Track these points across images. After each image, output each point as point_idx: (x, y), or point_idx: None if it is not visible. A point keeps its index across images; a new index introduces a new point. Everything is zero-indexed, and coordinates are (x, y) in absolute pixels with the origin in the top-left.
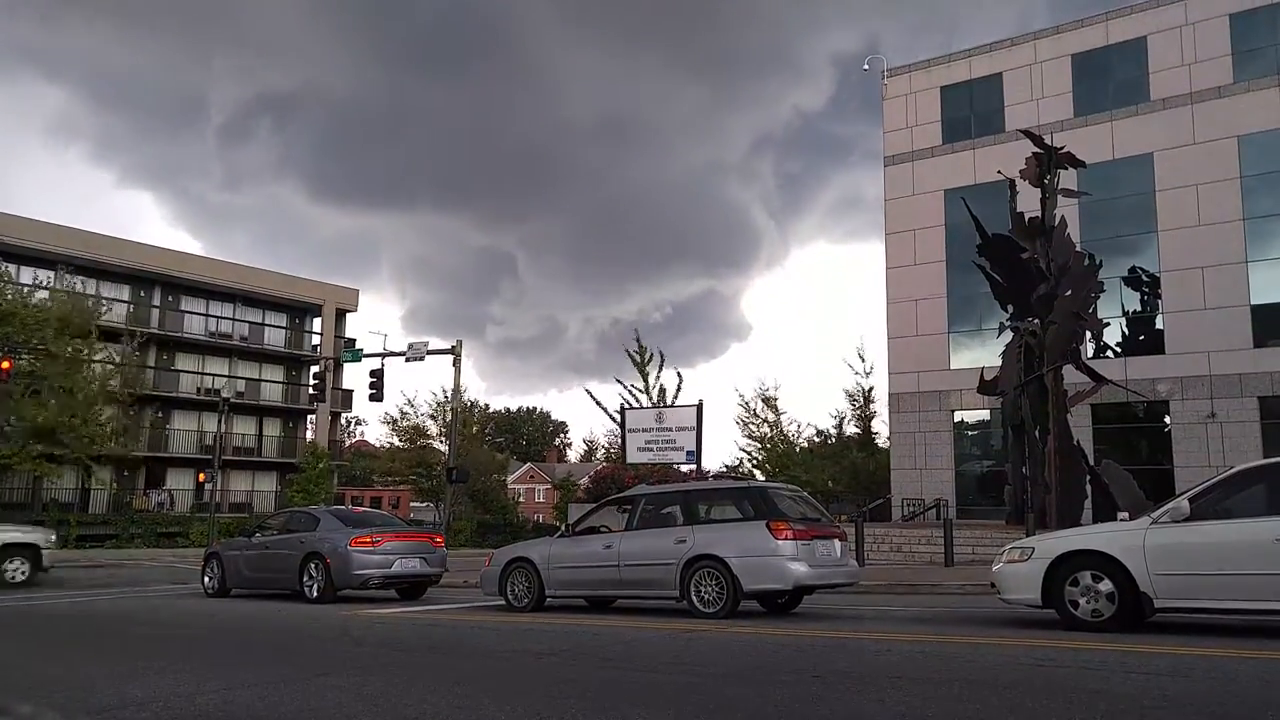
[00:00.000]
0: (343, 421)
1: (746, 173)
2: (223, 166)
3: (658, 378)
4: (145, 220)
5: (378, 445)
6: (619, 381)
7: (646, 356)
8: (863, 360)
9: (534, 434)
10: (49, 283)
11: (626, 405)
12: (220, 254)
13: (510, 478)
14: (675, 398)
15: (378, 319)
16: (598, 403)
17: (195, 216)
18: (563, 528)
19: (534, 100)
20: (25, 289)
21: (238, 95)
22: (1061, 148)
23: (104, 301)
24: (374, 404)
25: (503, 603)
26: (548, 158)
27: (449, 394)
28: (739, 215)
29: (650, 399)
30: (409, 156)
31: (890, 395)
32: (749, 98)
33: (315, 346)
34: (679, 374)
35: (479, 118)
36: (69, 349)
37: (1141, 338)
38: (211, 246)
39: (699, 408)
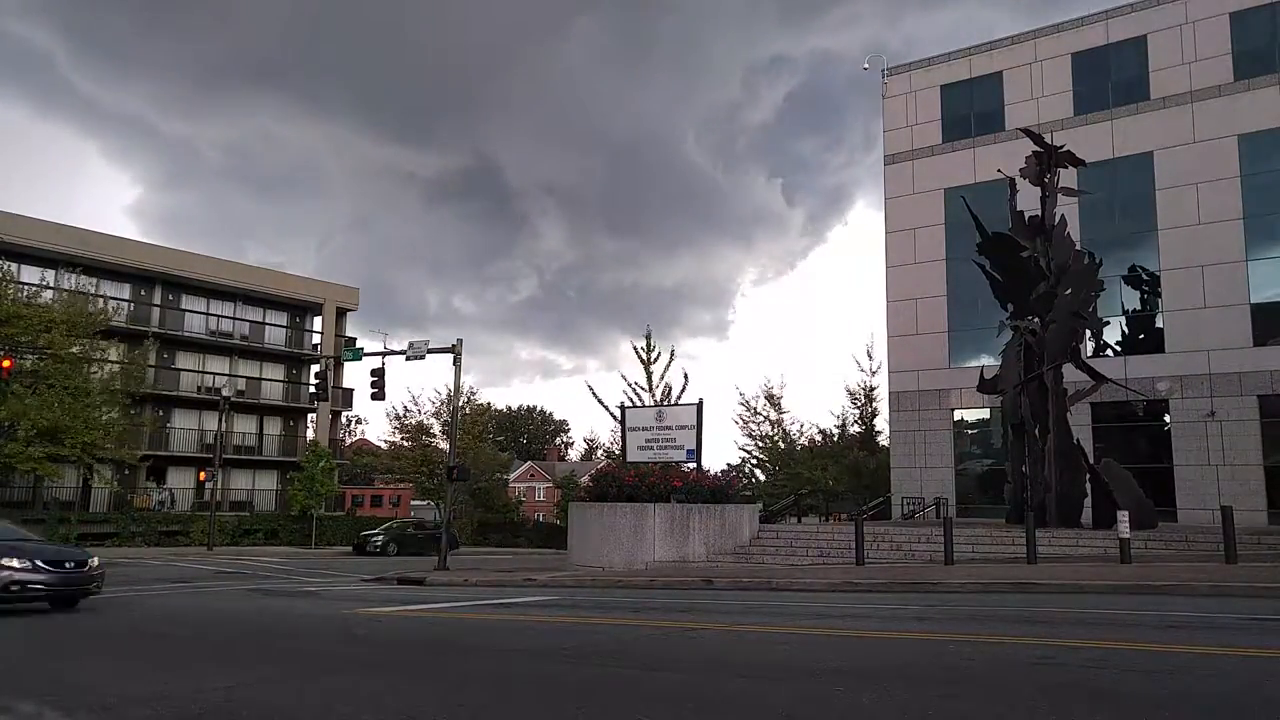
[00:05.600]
0: (343, 420)
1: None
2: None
3: (663, 376)
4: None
5: (381, 444)
6: (623, 378)
7: (654, 354)
8: (870, 358)
9: (535, 432)
10: (51, 282)
11: (625, 404)
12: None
13: (511, 476)
14: (679, 397)
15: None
16: (598, 398)
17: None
18: None
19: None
20: (31, 289)
21: None
22: (1061, 146)
23: (114, 304)
24: (375, 402)
25: (498, 601)
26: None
27: (455, 392)
28: (744, 198)
29: (654, 397)
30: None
31: (890, 394)
32: (756, 74)
33: (316, 345)
34: (685, 374)
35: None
36: (74, 348)
37: (1141, 336)
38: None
39: (699, 406)
